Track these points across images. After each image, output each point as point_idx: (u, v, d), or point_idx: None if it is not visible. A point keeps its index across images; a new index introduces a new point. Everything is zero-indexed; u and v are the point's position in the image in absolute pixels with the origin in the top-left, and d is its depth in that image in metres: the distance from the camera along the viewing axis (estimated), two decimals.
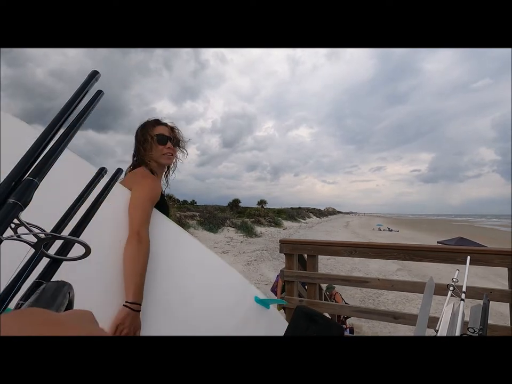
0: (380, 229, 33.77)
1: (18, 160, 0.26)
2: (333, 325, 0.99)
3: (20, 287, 0.26)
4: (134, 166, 1.19)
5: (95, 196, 0.37)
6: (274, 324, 1.41)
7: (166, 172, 1.27)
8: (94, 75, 0.34)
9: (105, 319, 0.81)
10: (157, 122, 1.19)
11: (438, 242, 15.88)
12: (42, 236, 0.27)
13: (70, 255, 0.31)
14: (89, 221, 0.35)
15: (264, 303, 1.37)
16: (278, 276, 4.41)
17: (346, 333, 3.65)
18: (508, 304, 1.72)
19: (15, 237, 0.25)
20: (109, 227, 0.90)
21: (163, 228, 1.06)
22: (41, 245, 0.27)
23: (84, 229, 0.34)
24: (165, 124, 1.20)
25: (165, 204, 1.16)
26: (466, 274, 0.86)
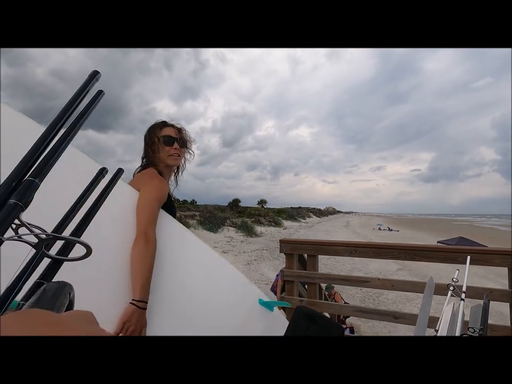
0: (380, 229, 33.76)
1: (19, 161, 0.26)
2: (333, 325, 0.99)
3: (21, 288, 0.26)
4: (142, 167, 1.21)
5: (96, 196, 0.37)
6: (275, 323, 1.42)
7: (175, 173, 1.30)
8: (94, 75, 0.34)
9: (112, 317, 0.82)
10: (164, 124, 1.21)
11: (438, 242, 15.87)
12: (43, 236, 0.27)
13: (71, 255, 0.31)
14: (90, 221, 0.35)
15: (268, 305, 1.38)
16: (277, 275, 4.41)
17: (347, 333, 3.65)
18: (508, 304, 1.72)
19: (16, 237, 0.25)
20: (117, 227, 0.91)
21: (170, 228, 1.08)
22: (42, 246, 0.27)
23: (85, 229, 0.34)
24: (172, 126, 1.22)
25: (172, 205, 1.18)
26: (467, 274, 0.86)
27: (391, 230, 33.12)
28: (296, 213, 35.67)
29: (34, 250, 0.28)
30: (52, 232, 0.29)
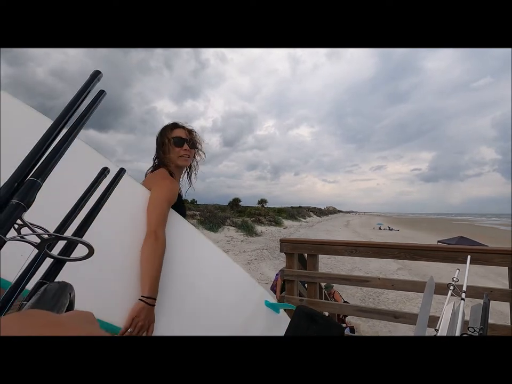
0: (380, 228, 33.77)
1: (19, 158, 0.26)
2: (333, 325, 0.99)
3: (24, 288, 0.26)
4: (154, 167, 1.24)
5: (98, 196, 0.37)
6: (279, 322, 1.43)
7: (188, 173, 1.32)
8: (96, 75, 0.34)
9: (121, 313, 0.84)
10: (174, 125, 1.24)
11: (438, 241, 15.86)
12: (46, 236, 0.27)
13: (74, 255, 0.31)
14: (92, 221, 0.35)
15: (275, 307, 1.39)
16: (277, 274, 4.41)
17: (347, 332, 3.65)
18: (508, 303, 1.72)
19: (19, 237, 0.25)
20: (124, 226, 0.93)
21: (179, 228, 1.10)
22: (44, 246, 0.27)
23: (87, 229, 0.34)
24: (183, 127, 1.25)
25: (182, 205, 1.20)
26: (467, 273, 0.86)
27: (391, 229, 33.13)
28: (296, 212, 35.66)
29: (36, 251, 0.28)
30: (54, 232, 0.29)
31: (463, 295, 0.78)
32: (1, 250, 0.21)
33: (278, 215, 26.76)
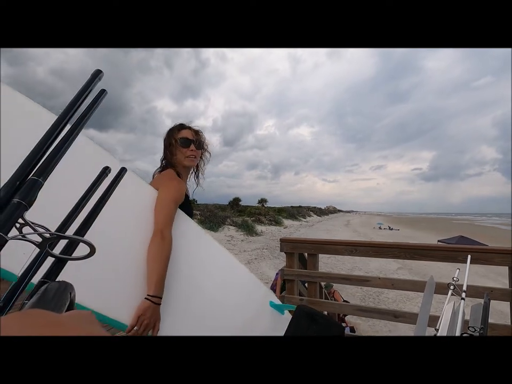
0: (380, 228, 33.76)
1: (22, 160, 0.26)
2: (333, 324, 0.99)
3: (26, 286, 0.27)
4: (162, 168, 1.25)
5: (100, 195, 0.37)
6: (283, 322, 1.44)
7: (196, 173, 1.34)
8: (97, 74, 0.34)
9: (127, 311, 0.84)
10: (181, 126, 1.26)
11: (438, 241, 15.85)
12: (47, 235, 0.27)
13: (75, 254, 0.31)
14: (94, 220, 0.35)
15: (279, 308, 1.40)
16: (277, 274, 4.41)
17: (347, 331, 3.65)
18: (509, 303, 1.72)
19: (20, 236, 0.25)
20: (131, 225, 0.94)
21: (186, 228, 1.11)
22: (46, 245, 0.28)
23: (89, 228, 0.34)
24: (189, 128, 1.26)
25: (189, 205, 1.22)
26: (467, 273, 0.86)
27: (392, 229, 33.11)
28: (296, 212, 35.64)
29: (38, 249, 0.28)
30: (55, 231, 0.29)
31: (463, 294, 0.78)
32: (3, 249, 0.21)
33: (278, 214, 26.75)
